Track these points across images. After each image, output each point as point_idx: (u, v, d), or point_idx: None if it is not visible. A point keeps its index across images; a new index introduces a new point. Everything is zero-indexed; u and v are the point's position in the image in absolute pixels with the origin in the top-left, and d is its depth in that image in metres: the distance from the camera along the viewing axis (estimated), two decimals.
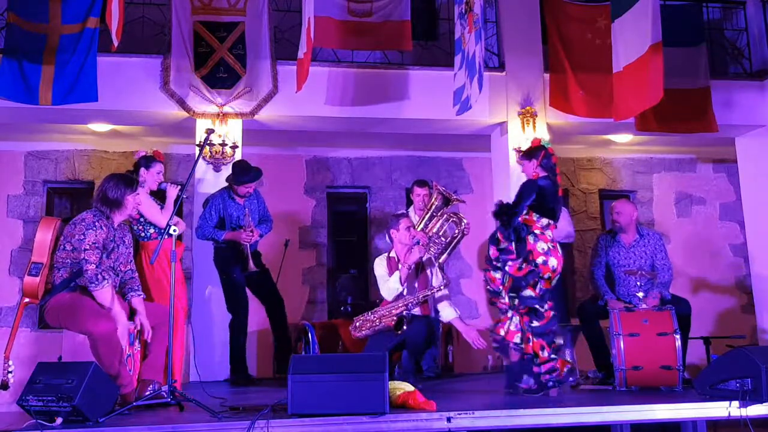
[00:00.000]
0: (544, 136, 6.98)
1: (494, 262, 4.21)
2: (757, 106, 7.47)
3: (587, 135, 7.71)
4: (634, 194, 8.59)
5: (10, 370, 3.60)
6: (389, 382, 3.39)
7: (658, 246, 5.15)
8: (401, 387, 3.64)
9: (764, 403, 3.52)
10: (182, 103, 6.50)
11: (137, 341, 3.95)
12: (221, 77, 6.57)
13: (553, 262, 4.11)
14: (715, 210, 8.69)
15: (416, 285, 5.06)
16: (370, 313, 5.03)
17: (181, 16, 6.58)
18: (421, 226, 5.87)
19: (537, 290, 4.13)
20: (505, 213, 4.17)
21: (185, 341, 4.76)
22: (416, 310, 5.00)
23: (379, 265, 5.15)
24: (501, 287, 4.22)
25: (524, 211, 4.17)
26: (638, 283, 4.81)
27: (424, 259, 5.12)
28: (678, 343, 4.28)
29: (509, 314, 4.21)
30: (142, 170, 4.64)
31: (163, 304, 4.18)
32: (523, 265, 4.12)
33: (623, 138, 7.85)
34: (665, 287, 5.00)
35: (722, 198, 8.70)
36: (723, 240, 8.60)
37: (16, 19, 6.11)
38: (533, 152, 4.49)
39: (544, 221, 4.20)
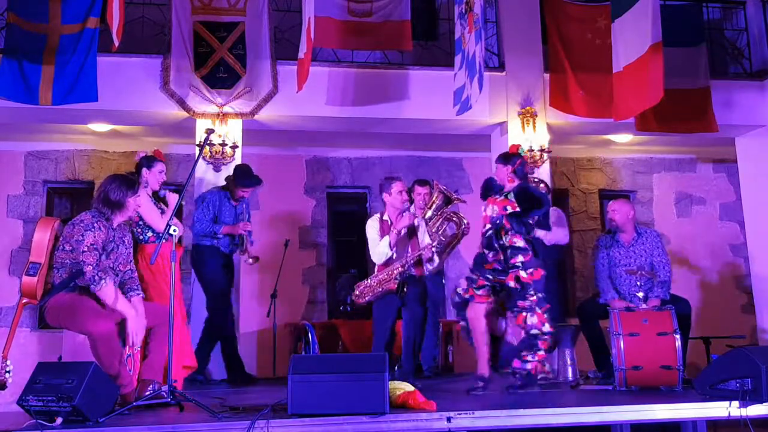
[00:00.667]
0: (544, 136, 6.99)
1: (509, 262, 4.27)
2: (757, 106, 7.47)
3: (587, 135, 7.71)
4: (634, 194, 8.59)
5: (8, 369, 3.60)
6: (389, 382, 3.39)
7: (655, 244, 5.14)
8: (401, 387, 3.64)
9: (764, 403, 3.51)
10: (182, 103, 6.50)
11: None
12: (221, 77, 6.57)
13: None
14: (715, 210, 8.69)
15: (409, 248, 5.06)
16: (369, 279, 5.07)
17: (181, 16, 6.58)
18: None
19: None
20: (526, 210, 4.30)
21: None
22: (411, 271, 5.02)
23: (371, 227, 5.13)
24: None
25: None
26: (638, 283, 4.80)
27: (415, 224, 5.11)
28: (678, 343, 4.28)
29: (537, 309, 4.23)
30: (144, 170, 4.63)
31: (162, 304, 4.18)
32: (533, 271, 4.23)
33: (623, 138, 7.85)
34: (664, 287, 4.99)
35: (722, 198, 8.70)
36: (723, 240, 8.60)
37: (16, 19, 6.11)
38: (509, 158, 4.58)
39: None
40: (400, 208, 5.10)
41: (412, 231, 5.14)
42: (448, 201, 5.77)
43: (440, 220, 5.71)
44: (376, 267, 5.13)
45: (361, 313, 5.95)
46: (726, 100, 7.30)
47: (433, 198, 5.80)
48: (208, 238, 5.50)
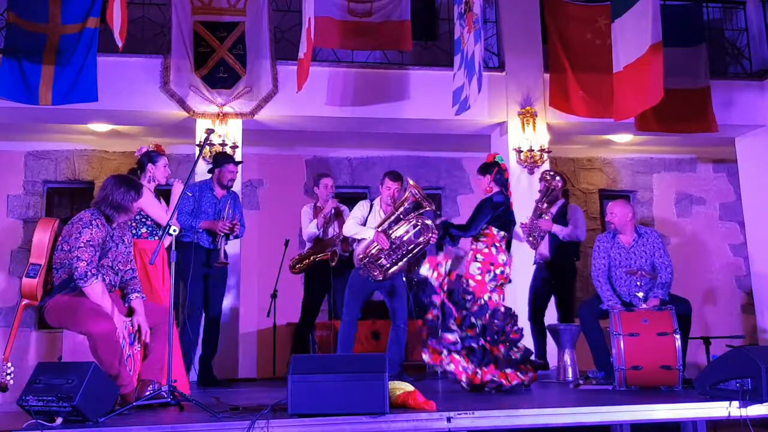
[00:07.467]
0: (544, 136, 7.00)
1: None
2: (757, 106, 7.48)
3: (587, 135, 7.71)
4: (634, 194, 8.59)
5: (9, 372, 3.59)
6: (389, 382, 3.39)
7: (657, 244, 5.11)
8: (401, 387, 3.64)
9: (764, 403, 3.51)
10: (182, 103, 6.50)
11: (137, 341, 3.94)
12: (221, 77, 6.57)
13: (508, 270, 4.67)
14: (715, 210, 8.69)
15: (336, 229, 5.94)
16: (305, 254, 5.98)
17: (181, 16, 6.58)
18: (384, 226, 5.22)
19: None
20: (452, 233, 4.73)
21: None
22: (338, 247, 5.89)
23: (306, 212, 6.09)
24: None
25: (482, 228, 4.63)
26: (638, 283, 4.79)
27: (342, 208, 6.04)
28: (678, 343, 4.27)
29: None
30: (150, 166, 4.57)
31: (159, 304, 4.18)
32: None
33: (623, 138, 7.85)
34: (665, 287, 4.98)
35: (722, 198, 8.70)
36: (723, 240, 8.60)
37: (16, 19, 6.11)
38: (487, 168, 4.89)
39: (502, 233, 4.65)
40: (325, 199, 6.02)
41: (338, 213, 6.01)
42: (418, 206, 5.18)
43: (405, 224, 5.20)
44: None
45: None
46: (726, 100, 7.31)
47: (403, 198, 5.23)
48: (188, 233, 5.18)
